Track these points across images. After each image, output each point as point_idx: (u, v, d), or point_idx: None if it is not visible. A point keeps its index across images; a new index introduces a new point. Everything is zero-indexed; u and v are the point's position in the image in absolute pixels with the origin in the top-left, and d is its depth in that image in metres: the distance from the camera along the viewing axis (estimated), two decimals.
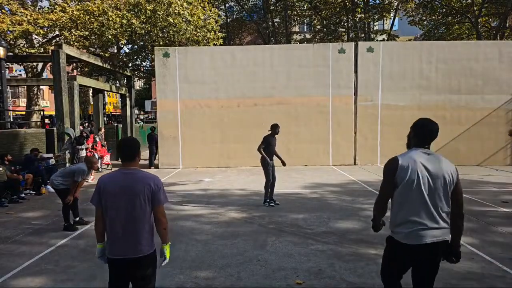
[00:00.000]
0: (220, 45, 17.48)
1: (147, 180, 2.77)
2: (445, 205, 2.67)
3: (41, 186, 9.57)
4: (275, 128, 7.75)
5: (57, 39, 16.10)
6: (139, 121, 38.17)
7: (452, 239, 2.75)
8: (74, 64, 18.81)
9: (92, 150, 11.90)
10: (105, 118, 28.19)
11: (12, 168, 9.40)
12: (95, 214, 2.88)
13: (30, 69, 18.98)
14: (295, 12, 28.74)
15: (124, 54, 19.40)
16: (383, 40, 26.17)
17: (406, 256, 2.73)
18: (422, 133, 2.79)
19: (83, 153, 10.90)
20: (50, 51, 12.63)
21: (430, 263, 2.70)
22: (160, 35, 15.91)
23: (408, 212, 2.66)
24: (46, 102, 38.58)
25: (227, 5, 30.13)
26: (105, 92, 23.44)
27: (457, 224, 2.73)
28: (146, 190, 2.73)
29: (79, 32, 14.64)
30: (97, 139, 12.67)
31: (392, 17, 27.80)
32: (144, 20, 15.23)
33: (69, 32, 14.61)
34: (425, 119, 2.85)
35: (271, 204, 7.77)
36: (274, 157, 7.81)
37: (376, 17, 25.92)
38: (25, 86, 22.19)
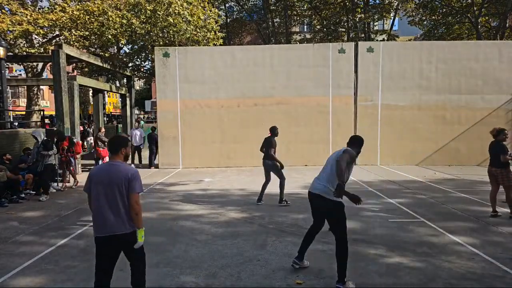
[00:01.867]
0: (220, 45, 17.47)
1: (126, 172, 3.29)
2: (327, 176, 4.34)
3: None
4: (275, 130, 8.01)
5: (57, 39, 16.09)
6: (142, 121, 38.12)
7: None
8: (74, 64, 18.80)
9: (69, 153, 10.24)
10: (105, 118, 28.21)
11: (19, 165, 9.63)
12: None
13: (30, 69, 18.96)
14: (295, 12, 28.74)
15: (124, 54, 19.40)
16: (383, 40, 26.16)
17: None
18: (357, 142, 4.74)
19: (50, 160, 9.21)
20: (50, 51, 12.61)
21: (318, 203, 4.38)
22: (160, 35, 15.90)
23: (317, 177, 4.52)
24: (46, 102, 38.60)
25: (227, 5, 30.13)
26: (105, 92, 23.45)
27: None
28: (124, 180, 3.25)
29: (79, 32, 14.63)
30: (74, 141, 10.93)
31: (392, 17, 27.80)
32: (144, 20, 15.22)
33: (69, 32, 14.59)
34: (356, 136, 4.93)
35: (288, 203, 7.82)
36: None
37: (376, 17, 25.91)
38: (25, 86, 22.17)
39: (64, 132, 11.15)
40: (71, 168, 10.52)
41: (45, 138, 9.40)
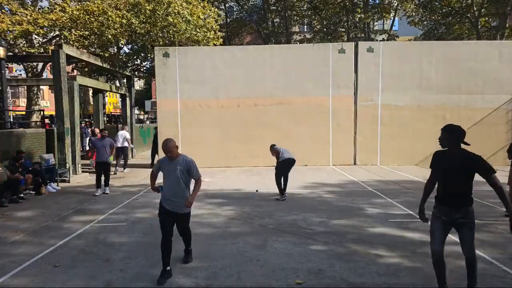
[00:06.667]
0: (220, 45, 17.46)
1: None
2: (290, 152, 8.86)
3: (41, 186, 9.57)
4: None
5: (57, 39, 16.09)
6: (147, 121, 38.02)
7: None
8: (74, 64, 18.79)
9: None
10: (105, 118, 28.16)
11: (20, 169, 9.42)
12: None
13: (30, 69, 18.96)
14: (295, 12, 28.74)
15: (124, 54, 19.38)
16: (383, 40, 26.16)
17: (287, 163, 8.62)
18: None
19: None
20: (50, 51, 12.60)
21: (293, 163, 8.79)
22: (160, 35, 15.87)
23: (289, 152, 8.83)
24: (46, 102, 38.57)
25: (227, 5, 30.13)
26: (105, 92, 23.43)
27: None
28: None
29: (79, 32, 14.61)
30: None
31: (392, 17, 27.80)
32: (144, 20, 15.19)
33: (69, 32, 14.58)
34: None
35: None
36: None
37: (376, 17, 25.91)
38: (25, 86, 22.14)
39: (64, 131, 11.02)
40: None
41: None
